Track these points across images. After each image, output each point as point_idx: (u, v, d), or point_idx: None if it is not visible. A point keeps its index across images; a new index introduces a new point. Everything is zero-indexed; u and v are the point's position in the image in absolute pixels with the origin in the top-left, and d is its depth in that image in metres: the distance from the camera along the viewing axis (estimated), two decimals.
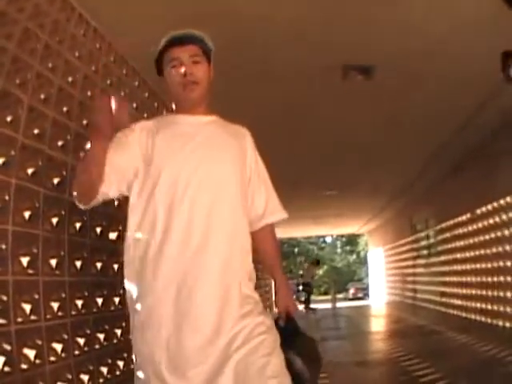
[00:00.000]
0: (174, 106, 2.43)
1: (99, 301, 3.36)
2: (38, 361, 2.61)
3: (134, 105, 4.38)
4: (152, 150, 2.24)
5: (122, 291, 3.65)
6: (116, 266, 3.66)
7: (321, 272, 13.69)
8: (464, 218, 10.04)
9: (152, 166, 2.23)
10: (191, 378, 2.05)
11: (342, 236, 40.85)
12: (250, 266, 2.33)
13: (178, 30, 2.32)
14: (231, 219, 2.24)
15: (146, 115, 4.45)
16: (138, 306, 2.19)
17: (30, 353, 2.56)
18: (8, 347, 2.41)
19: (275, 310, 2.54)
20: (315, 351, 2.49)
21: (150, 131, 2.30)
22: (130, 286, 2.24)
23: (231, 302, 2.16)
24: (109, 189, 2.21)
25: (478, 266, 9.26)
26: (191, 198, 2.18)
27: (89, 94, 3.55)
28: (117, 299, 3.61)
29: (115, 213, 3.66)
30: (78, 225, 3.19)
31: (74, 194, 2.21)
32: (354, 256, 44.60)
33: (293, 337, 2.40)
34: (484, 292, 8.98)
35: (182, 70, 2.28)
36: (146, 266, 2.18)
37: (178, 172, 2.21)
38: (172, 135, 2.30)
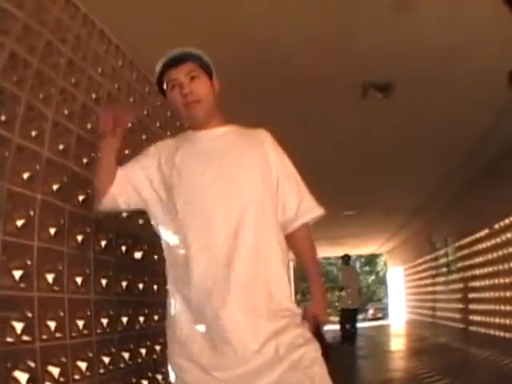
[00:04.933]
0: (187, 124, 2.42)
1: (124, 319, 3.31)
2: (62, 379, 2.55)
3: (158, 124, 4.35)
4: (172, 170, 2.26)
5: (146, 310, 3.62)
6: (141, 286, 3.62)
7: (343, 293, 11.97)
8: (482, 233, 10.00)
9: (171, 186, 2.25)
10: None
11: (361, 256, 40.64)
12: (280, 275, 2.21)
13: (173, 50, 2.31)
14: (254, 230, 2.16)
15: (168, 133, 4.43)
16: (174, 322, 2.23)
17: (55, 370, 2.51)
18: (32, 364, 2.36)
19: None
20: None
21: (170, 150, 2.34)
22: (170, 302, 2.27)
23: (260, 314, 2.09)
24: (118, 192, 2.30)
25: (496, 281, 9.21)
26: (209, 212, 2.15)
27: None
28: (141, 318, 3.55)
29: (140, 232, 3.62)
30: (103, 243, 3.15)
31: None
32: (373, 276, 44.28)
33: None
34: (502, 307, 8.90)
35: (184, 90, 2.25)
36: (179, 283, 2.21)
37: (195, 189, 2.20)
38: (188, 153, 2.29)
